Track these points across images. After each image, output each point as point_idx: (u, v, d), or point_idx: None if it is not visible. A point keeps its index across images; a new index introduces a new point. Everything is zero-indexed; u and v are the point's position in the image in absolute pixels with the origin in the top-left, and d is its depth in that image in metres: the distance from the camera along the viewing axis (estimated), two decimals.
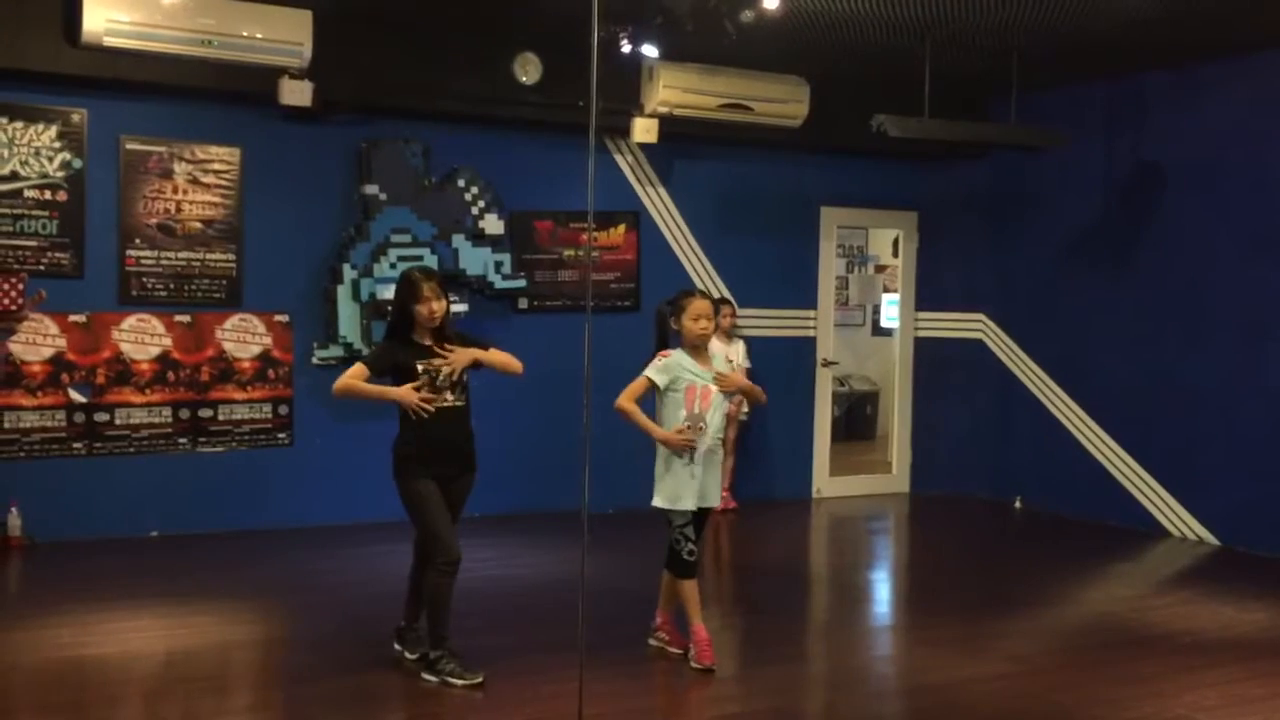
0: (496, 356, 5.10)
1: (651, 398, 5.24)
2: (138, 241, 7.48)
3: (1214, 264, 8.14)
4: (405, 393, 4.90)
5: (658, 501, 5.24)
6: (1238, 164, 7.99)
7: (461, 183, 8.22)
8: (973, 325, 9.92)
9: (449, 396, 4.98)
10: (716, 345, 5.78)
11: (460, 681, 4.91)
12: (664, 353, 5.23)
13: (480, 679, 4.91)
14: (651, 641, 5.50)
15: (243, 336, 7.79)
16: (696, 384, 5.17)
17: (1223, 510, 8.13)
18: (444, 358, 4.97)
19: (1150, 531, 8.49)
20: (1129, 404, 8.71)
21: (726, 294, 9.07)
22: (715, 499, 5.31)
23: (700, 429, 5.16)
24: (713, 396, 5.18)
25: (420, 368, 4.94)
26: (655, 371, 5.17)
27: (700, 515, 5.30)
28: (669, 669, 5.26)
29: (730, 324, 8.66)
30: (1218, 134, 8.12)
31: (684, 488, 5.17)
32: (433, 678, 4.96)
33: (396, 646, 5.28)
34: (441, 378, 4.94)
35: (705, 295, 5.41)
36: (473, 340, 5.18)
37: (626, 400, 5.17)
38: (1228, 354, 8.06)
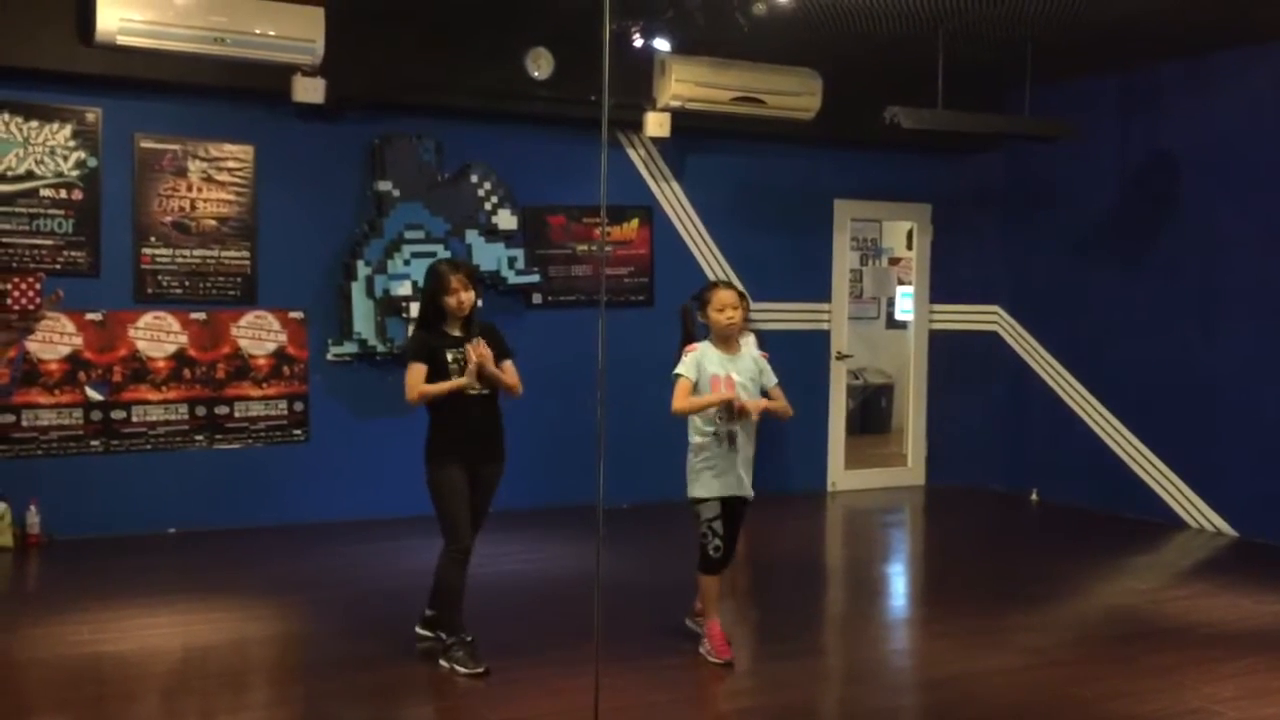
0: (507, 375, 5.17)
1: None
2: (153, 239, 7.51)
3: (1230, 254, 8.09)
4: (468, 376, 4.99)
5: (692, 491, 5.26)
6: (1253, 153, 7.94)
7: (474, 178, 8.22)
8: (987, 317, 9.89)
9: (476, 385, 5.07)
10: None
11: (464, 670, 4.96)
12: (690, 346, 5.28)
13: (482, 669, 4.95)
14: (688, 623, 5.53)
15: (258, 333, 7.81)
16: (720, 375, 5.18)
17: (1240, 501, 8.10)
18: (471, 348, 5.04)
19: (1167, 523, 8.45)
20: (1145, 395, 8.67)
21: (740, 288, 9.02)
22: (747, 489, 5.29)
23: (731, 418, 5.17)
24: (737, 389, 5.18)
25: (450, 356, 5.07)
26: (685, 367, 5.20)
27: (733, 508, 5.28)
28: (685, 663, 5.26)
29: (742, 318, 8.63)
30: (1233, 123, 8.07)
31: (714, 477, 5.18)
32: (445, 664, 5.03)
33: (419, 630, 5.34)
34: (468, 372, 5.02)
35: (730, 286, 5.43)
36: (497, 335, 5.26)
37: (682, 400, 5.15)
38: (1244, 344, 8.02)
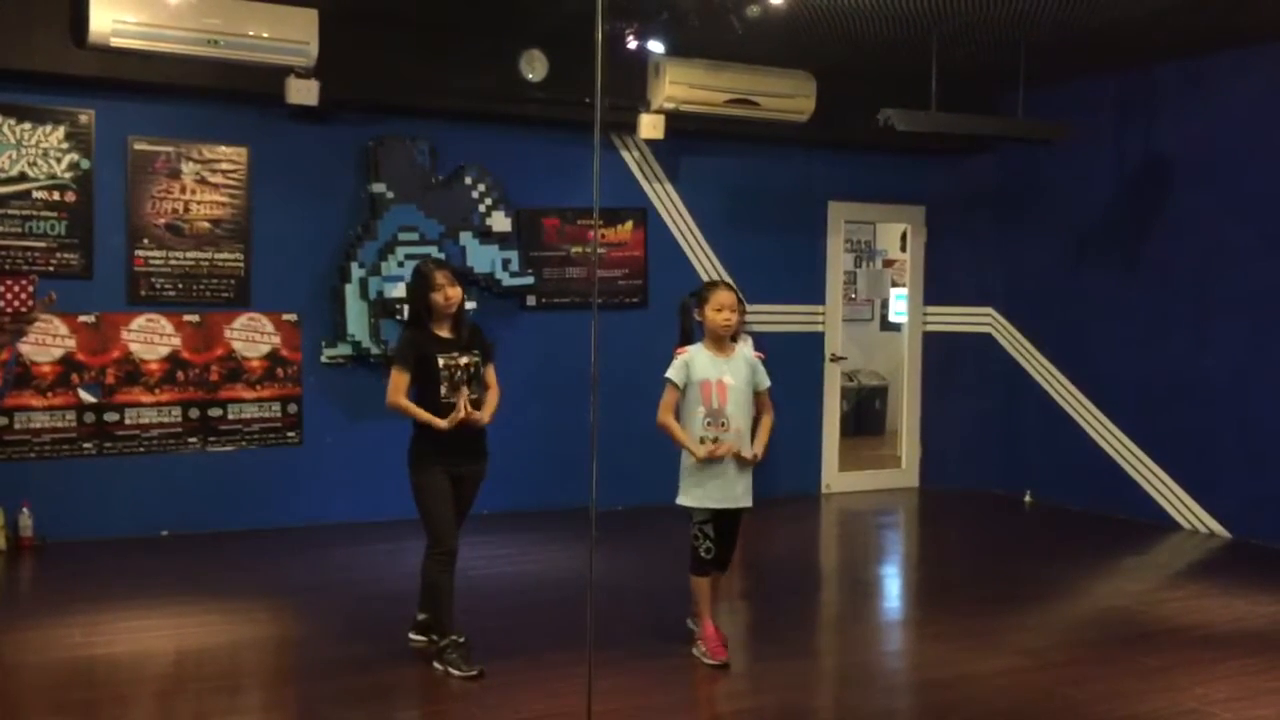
0: (488, 394, 5.19)
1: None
2: (146, 242, 7.50)
3: (1224, 256, 8.10)
4: (446, 425, 4.97)
5: (680, 499, 5.24)
6: (1248, 155, 7.95)
7: (469, 180, 8.22)
8: (981, 319, 9.90)
9: (465, 390, 5.06)
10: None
11: (458, 673, 4.96)
12: (680, 350, 5.23)
13: (476, 671, 4.95)
14: (689, 623, 5.49)
15: (251, 336, 7.80)
16: (712, 379, 5.14)
17: (1234, 503, 8.11)
18: (463, 352, 5.08)
19: (1161, 525, 8.46)
20: (1139, 397, 8.68)
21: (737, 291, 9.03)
22: (745, 500, 5.24)
23: (721, 425, 5.14)
24: (729, 392, 5.15)
25: (441, 362, 5.04)
26: (673, 372, 5.17)
27: (730, 518, 5.26)
28: (680, 664, 5.25)
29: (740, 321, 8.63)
30: (1228, 126, 8.08)
31: (707, 486, 5.16)
32: (439, 667, 5.03)
33: (412, 636, 5.36)
34: (449, 419, 4.99)
35: (730, 287, 5.39)
36: (483, 338, 5.27)
37: (666, 414, 5.16)
38: (1238, 346, 8.03)
